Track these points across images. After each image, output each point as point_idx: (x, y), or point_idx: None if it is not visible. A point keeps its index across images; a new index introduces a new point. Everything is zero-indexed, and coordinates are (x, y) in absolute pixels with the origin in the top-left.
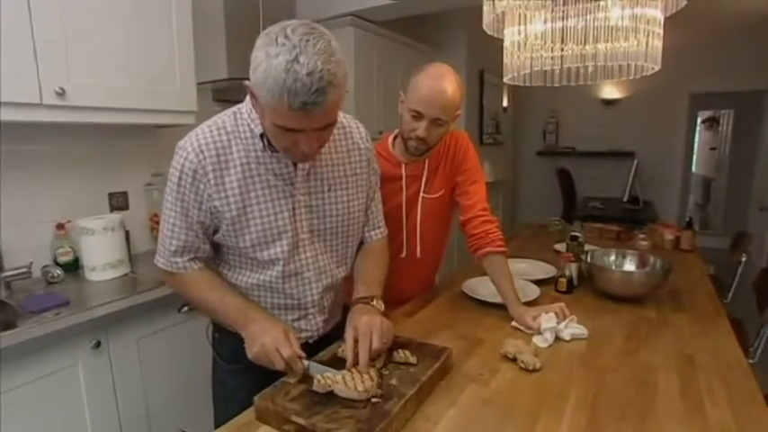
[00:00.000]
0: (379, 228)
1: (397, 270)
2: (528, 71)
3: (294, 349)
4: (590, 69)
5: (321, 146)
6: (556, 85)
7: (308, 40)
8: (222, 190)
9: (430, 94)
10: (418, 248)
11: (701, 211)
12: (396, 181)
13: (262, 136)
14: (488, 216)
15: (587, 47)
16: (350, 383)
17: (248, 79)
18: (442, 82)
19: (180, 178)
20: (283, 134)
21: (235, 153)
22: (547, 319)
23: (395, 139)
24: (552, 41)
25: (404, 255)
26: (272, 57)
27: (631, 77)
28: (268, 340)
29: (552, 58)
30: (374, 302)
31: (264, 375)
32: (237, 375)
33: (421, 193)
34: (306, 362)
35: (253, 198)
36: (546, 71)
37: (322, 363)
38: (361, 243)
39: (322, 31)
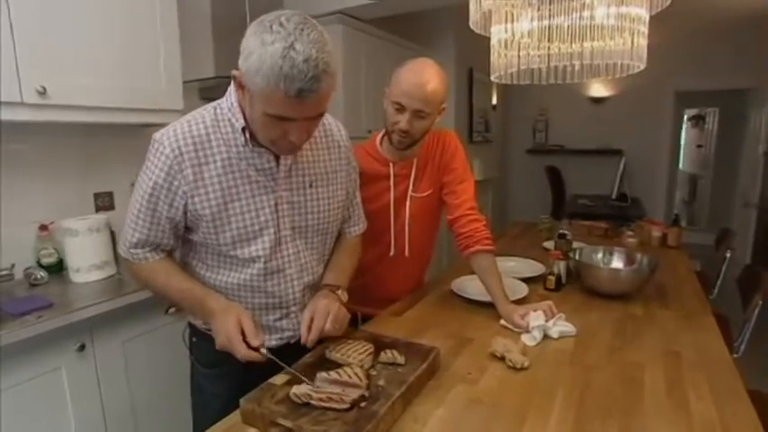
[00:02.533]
0: (359, 224)
1: (385, 269)
2: (515, 69)
3: (249, 339)
4: (576, 68)
5: (309, 137)
6: (543, 83)
7: (302, 29)
8: (201, 186)
9: (411, 87)
10: (407, 247)
11: (687, 208)
12: (384, 180)
13: (244, 130)
14: (476, 215)
15: (574, 45)
16: (325, 403)
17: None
18: (423, 75)
19: (153, 173)
20: (274, 124)
21: (215, 147)
22: (535, 318)
23: (383, 137)
24: (539, 40)
25: (392, 253)
26: (268, 44)
27: (617, 76)
28: (223, 338)
29: (539, 56)
30: (339, 292)
31: (244, 381)
32: (216, 381)
33: (409, 192)
34: (264, 350)
35: (234, 194)
36: (533, 69)
37: (308, 365)
38: (338, 237)
39: (314, 22)
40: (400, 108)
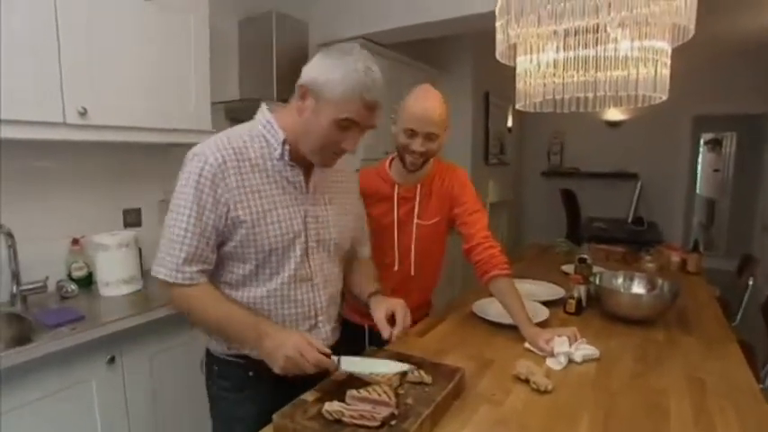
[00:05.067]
0: (368, 245)
1: (390, 284)
2: (540, 99)
3: (319, 348)
4: (598, 97)
5: (354, 149)
6: (566, 111)
7: (370, 58)
8: (243, 193)
9: (422, 114)
10: (412, 268)
11: (704, 233)
12: (388, 200)
13: (284, 142)
14: (491, 242)
15: (598, 74)
16: (357, 420)
17: (257, 99)
18: (429, 101)
19: (198, 182)
20: (337, 131)
21: (253, 159)
22: (560, 343)
23: (391, 161)
24: (564, 70)
25: (396, 269)
26: (351, 62)
27: (639, 105)
28: (290, 350)
29: (563, 85)
30: None
31: (272, 402)
32: (243, 405)
33: (415, 220)
34: (335, 357)
35: (272, 203)
36: (557, 98)
37: (337, 382)
38: (350, 260)
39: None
40: (413, 133)
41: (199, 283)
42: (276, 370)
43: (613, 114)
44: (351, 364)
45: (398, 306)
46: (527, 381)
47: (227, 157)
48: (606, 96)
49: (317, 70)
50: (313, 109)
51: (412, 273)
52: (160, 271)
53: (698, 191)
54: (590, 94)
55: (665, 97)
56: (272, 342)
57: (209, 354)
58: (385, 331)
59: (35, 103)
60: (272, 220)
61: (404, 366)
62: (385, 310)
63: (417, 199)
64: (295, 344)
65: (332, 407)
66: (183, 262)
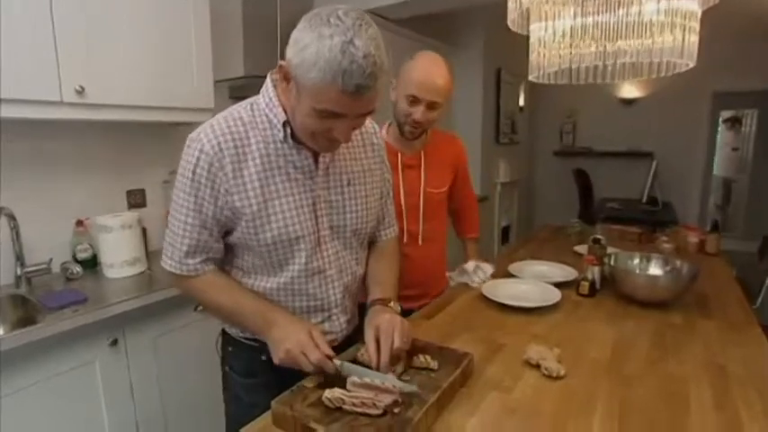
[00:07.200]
0: (392, 226)
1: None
2: (555, 69)
3: (323, 349)
4: (618, 66)
5: (350, 136)
6: (581, 83)
7: (360, 25)
8: (241, 183)
9: (425, 80)
10: (420, 237)
11: (721, 213)
12: (392, 169)
13: (285, 124)
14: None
15: (619, 42)
16: (358, 408)
17: (262, 76)
18: (435, 67)
19: (194, 172)
20: (320, 120)
21: (254, 144)
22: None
23: (389, 127)
24: (581, 38)
25: (405, 241)
26: (326, 37)
27: (662, 75)
28: (293, 345)
29: (580, 55)
30: (391, 304)
31: (282, 389)
32: (254, 390)
33: (422, 187)
34: (337, 361)
35: (273, 192)
36: (573, 69)
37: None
38: (372, 242)
39: (369, 19)
40: (414, 100)
41: (204, 273)
42: (275, 360)
43: (628, 91)
44: (353, 371)
45: (381, 331)
46: (538, 366)
47: (224, 145)
48: (626, 65)
49: (292, 47)
50: (295, 94)
51: (420, 243)
52: (166, 261)
53: (715, 170)
54: (609, 62)
55: (692, 64)
56: (278, 332)
57: (224, 333)
58: (372, 358)
59: (31, 82)
60: (274, 211)
61: (411, 387)
62: (374, 330)
63: (423, 166)
64: (299, 339)
65: (332, 394)
66: (186, 255)
